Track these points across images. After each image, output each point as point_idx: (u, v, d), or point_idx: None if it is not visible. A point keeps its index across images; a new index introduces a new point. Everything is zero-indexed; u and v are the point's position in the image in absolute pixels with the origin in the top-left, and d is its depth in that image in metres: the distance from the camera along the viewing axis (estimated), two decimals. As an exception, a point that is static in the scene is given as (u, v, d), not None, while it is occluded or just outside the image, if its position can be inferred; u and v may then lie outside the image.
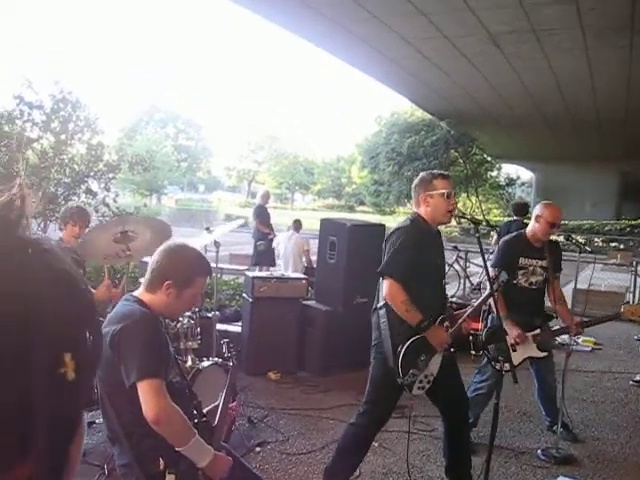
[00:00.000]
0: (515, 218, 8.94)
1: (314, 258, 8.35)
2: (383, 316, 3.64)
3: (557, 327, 4.88)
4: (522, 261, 4.71)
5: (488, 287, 3.81)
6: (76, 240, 4.42)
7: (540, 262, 4.72)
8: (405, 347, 3.54)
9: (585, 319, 4.88)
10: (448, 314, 3.80)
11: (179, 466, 2.32)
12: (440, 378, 3.67)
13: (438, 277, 3.81)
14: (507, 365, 3.46)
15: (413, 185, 3.84)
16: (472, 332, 4.67)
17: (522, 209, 9.20)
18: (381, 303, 3.68)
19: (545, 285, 4.79)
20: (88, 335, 0.59)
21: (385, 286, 3.56)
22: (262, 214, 11.03)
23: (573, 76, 15.54)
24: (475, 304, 3.95)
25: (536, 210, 4.81)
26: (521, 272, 4.70)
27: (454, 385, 3.84)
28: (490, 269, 4.74)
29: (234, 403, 3.00)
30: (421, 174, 3.86)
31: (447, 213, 3.70)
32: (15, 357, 0.50)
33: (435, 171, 3.89)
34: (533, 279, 4.73)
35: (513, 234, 5.04)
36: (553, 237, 4.95)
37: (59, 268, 0.57)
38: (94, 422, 4.42)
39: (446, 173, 3.90)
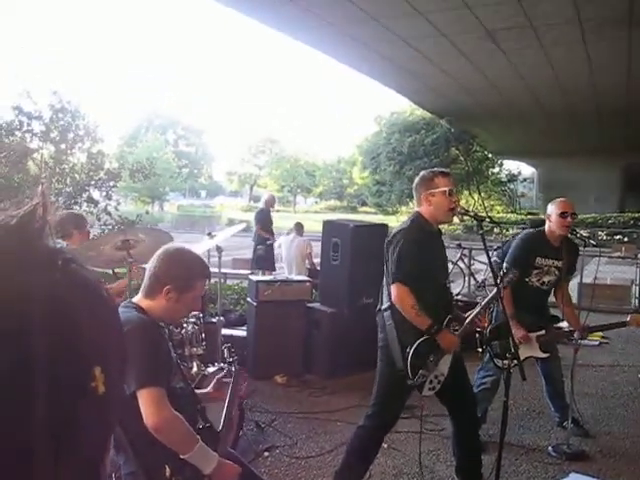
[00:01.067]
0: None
1: (317, 260, 8.32)
2: (389, 318, 3.61)
3: (562, 329, 4.83)
4: (539, 261, 4.66)
5: (494, 285, 3.78)
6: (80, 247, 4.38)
7: (556, 263, 4.67)
8: (414, 348, 3.51)
9: (591, 325, 4.84)
10: (455, 314, 3.77)
11: (185, 473, 2.30)
12: (448, 377, 3.64)
13: (440, 277, 3.77)
14: (507, 362, 3.42)
15: (414, 184, 3.81)
16: (478, 329, 4.65)
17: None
18: (386, 305, 3.65)
19: (554, 285, 4.76)
20: (114, 345, 0.58)
21: (393, 291, 3.53)
22: (263, 219, 11.01)
23: (572, 70, 15.52)
24: (482, 303, 3.90)
25: (547, 211, 4.78)
26: (535, 271, 4.66)
27: (461, 384, 3.80)
28: (504, 264, 4.70)
29: (241, 390, 2.97)
30: (422, 173, 3.83)
31: (449, 211, 3.67)
32: (47, 373, 0.49)
33: (436, 169, 3.85)
34: (545, 279, 4.69)
35: (532, 230, 4.97)
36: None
37: (85, 278, 0.56)
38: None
39: (447, 170, 3.87)
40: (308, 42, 14.95)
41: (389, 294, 3.65)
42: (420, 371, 3.54)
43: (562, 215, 4.60)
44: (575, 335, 4.66)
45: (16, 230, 0.52)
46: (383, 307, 3.67)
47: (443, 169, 3.90)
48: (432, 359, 3.57)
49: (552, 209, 4.69)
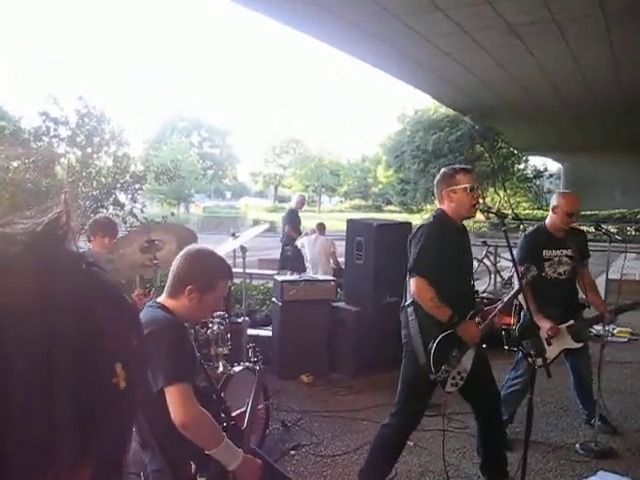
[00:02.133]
0: None
1: (342, 260, 8.33)
2: (411, 314, 3.61)
3: (590, 316, 4.79)
4: (546, 253, 4.64)
5: (517, 282, 3.76)
6: (104, 251, 4.45)
7: (565, 251, 4.65)
8: (436, 343, 3.51)
9: (616, 306, 4.79)
10: (478, 309, 3.76)
11: (209, 470, 2.34)
12: (472, 374, 3.63)
13: (464, 273, 3.76)
14: (533, 360, 3.41)
15: (435, 181, 3.80)
16: (505, 327, 4.63)
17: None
18: (409, 301, 3.65)
19: (575, 274, 4.73)
20: (134, 342, 0.60)
21: (412, 284, 3.53)
22: (294, 219, 11.04)
23: (596, 62, 15.30)
24: (505, 299, 3.88)
25: (553, 201, 4.74)
26: (547, 264, 4.63)
27: (486, 381, 3.79)
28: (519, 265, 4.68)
29: (262, 406, 3.00)
30: (442, 170, 3.82)
31: (471, 208, 3.66)
32: (71, 371, 0.51)
33: (457, 165, 3.83)
34: (561, 269, 4.65)
35: (532, 227, 4.98)
36: (583, 227, 4.87)
37: (106, 280, 0.59)
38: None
39: (468, 167, 3.84)
40: (326, 40, 14.90)
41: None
42: (443, 366, 3.54)
43: (569, 215, 4.59)
44: (604, 318, 4.61)
45: (41, 236, 0.55)
46: (406, 303, 3.67)
47: (464, 165, 3.88)
48: (455, 354, 3.56)
49: (559, 203, 4.64)
